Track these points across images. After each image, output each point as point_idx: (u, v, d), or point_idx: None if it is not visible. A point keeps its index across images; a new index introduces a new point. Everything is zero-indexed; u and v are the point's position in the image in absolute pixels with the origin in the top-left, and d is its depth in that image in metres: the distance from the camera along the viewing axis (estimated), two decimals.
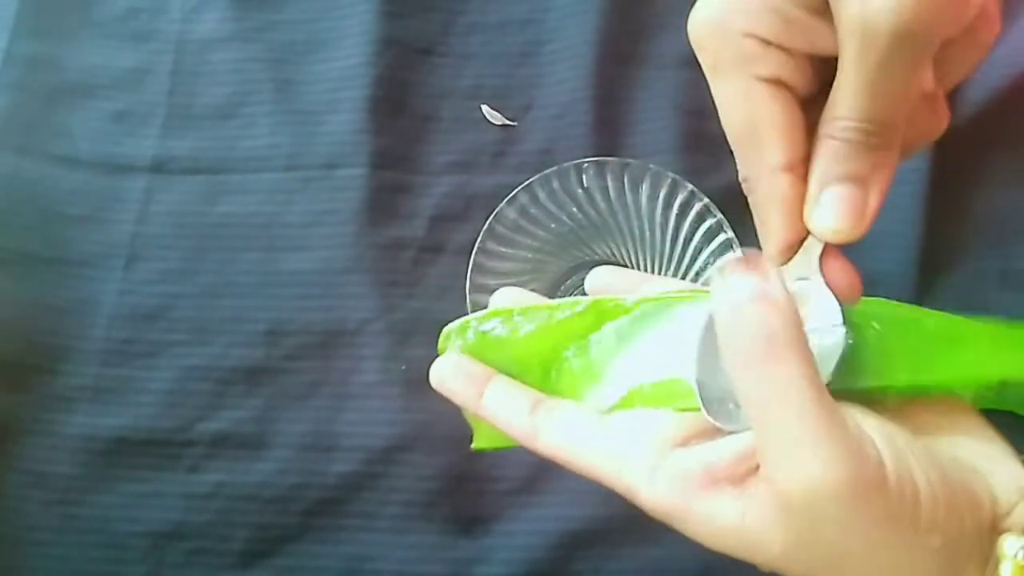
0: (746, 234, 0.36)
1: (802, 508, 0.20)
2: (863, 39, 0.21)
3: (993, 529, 0.21)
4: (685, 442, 0.24)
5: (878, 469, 0.20)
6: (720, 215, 0.37)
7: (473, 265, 0.37)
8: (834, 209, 0.22)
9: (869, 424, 0.22)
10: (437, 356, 0.39)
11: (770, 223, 0.23)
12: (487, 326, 0.28)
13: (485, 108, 0.43)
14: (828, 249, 0.23)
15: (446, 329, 0.30)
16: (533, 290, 0.39)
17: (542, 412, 0.26)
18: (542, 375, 0.27)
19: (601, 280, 0.31)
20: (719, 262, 0.37)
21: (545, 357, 0.27)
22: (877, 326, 0.25)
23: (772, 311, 0.20)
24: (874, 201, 0.23)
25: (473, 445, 0.29)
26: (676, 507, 0.23)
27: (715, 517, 0.23)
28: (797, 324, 0.21)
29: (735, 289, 0.21)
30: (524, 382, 0.27)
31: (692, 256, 0.38)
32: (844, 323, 0.23)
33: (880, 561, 0.20)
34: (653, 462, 0.23)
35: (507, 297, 0.30)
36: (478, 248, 0.38)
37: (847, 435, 0.20)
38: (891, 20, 0.20)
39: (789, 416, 0.20)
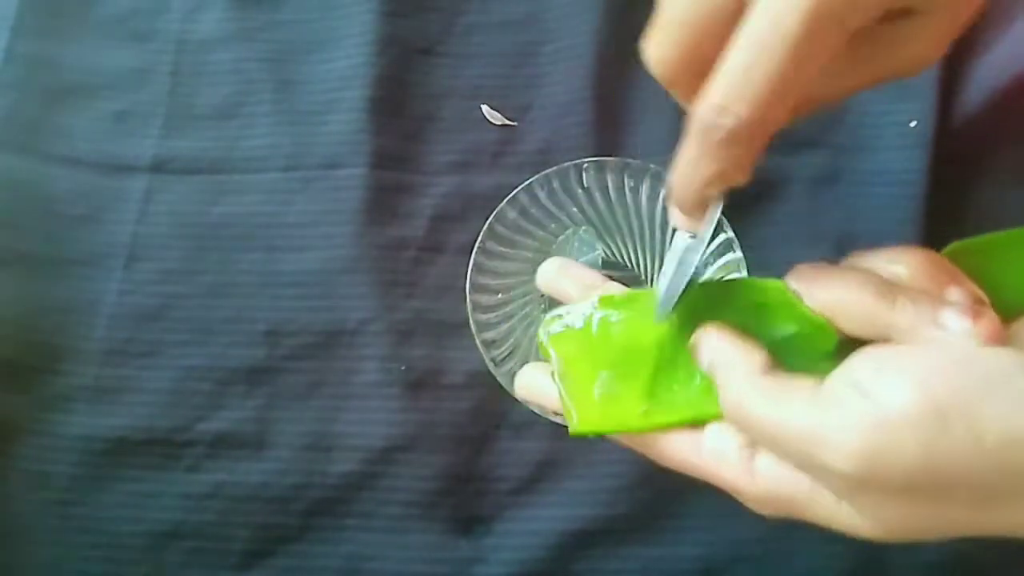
0: (746, 234, 0.36)
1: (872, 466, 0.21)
2: None
3: None
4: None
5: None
6: (720, 215, 0.36)
7: (473, 265, 0.37)
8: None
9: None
10: (437, 355, 0.40)
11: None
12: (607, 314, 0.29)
13: (485, 108, 0.43)
14: None
15: (550, 337, 0.30)
16: (531, 291, 0.40)
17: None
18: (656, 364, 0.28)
19: (547, 276, 0.33)
20: (720, 262, 0.37)
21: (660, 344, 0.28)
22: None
23: None
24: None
25: (572, 430, 0.28)
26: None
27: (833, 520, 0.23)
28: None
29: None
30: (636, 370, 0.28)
31: None
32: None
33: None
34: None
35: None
36: (478, 248, 0.38)
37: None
38: None
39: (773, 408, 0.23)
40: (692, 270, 0.26)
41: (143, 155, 0.44)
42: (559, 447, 0.38)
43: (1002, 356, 0.21)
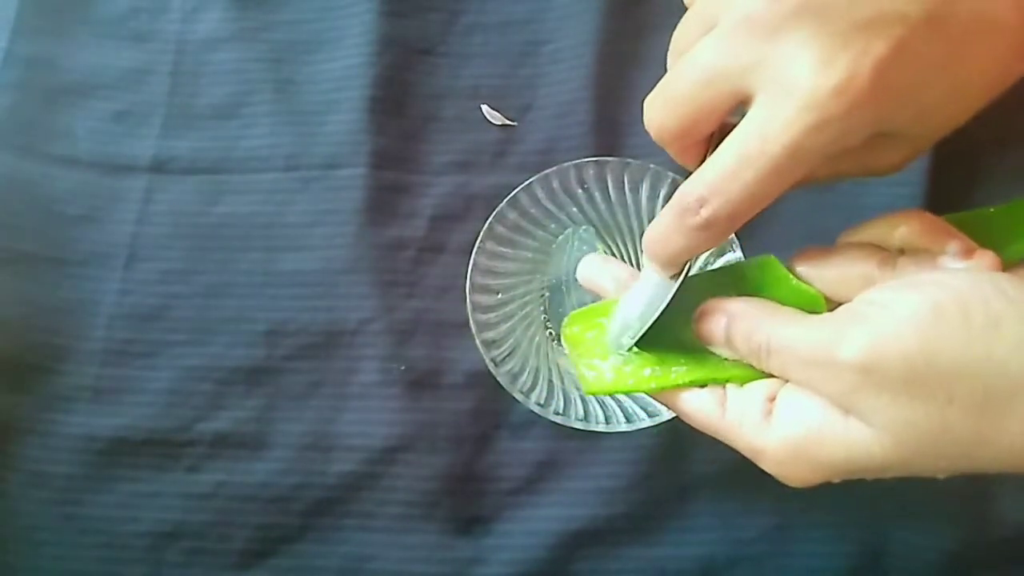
0: (746, 234, 0.36)
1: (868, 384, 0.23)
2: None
3: None
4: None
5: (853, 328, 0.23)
6: None
7: (473, 265, 0.37)
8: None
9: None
10: (437, 355, 0.40)
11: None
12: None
13: (485, 108, 0.43)
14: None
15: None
16: (531, 291, 0.40)
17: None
18: None
19: (591, 270, 0.33)
20: (720, 261, 0.37)
21: None
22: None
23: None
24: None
25: (584, 390, 0.30)
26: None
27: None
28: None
29: None
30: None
31: None
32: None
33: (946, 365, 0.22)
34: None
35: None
36: (478, 248, 0.38)
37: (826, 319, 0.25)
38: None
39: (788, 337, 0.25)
40: (659, 311, 0.28)
41: (143, 155, 0.44)
42: (559, 447, 0.38)
43: (997, 274, 0.24)
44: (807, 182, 0.27)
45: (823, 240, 0.40)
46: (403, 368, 0.39)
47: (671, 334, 0.29)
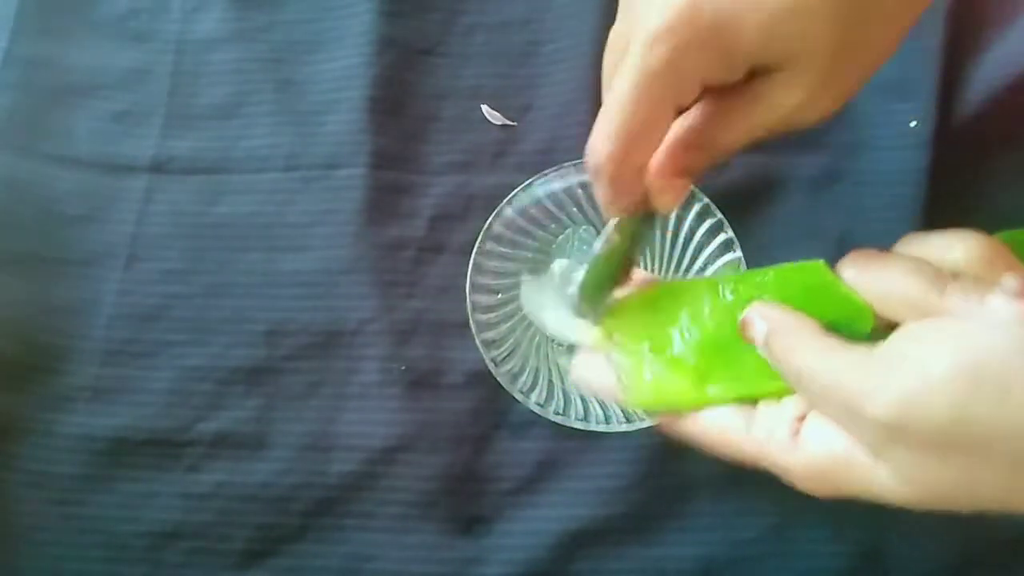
0: (746, 234, 0.36)
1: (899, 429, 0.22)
2: None
3: None
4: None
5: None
6: (720, 215, 0.37)
7: (473, 265, 0.37)
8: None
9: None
10: (437, 355, 0.40)
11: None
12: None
13: (485, 108, 0.43)
14: None
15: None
16: (531, 290, 0.40)
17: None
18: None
19: None
20: (720, 262, 0.37)
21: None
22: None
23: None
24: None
25: (629, 400, 0.30)
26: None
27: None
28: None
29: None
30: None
31: (692, 256, 0.38)
32: None
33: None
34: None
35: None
36: (478, 248, 0.38)
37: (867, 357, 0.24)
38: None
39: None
40: (585, 266, 0.31)
41: (143, 155, 0.44)
42: (559, 447, 0.38)
43: None
44: (724, 144, 0.27)
45: (822, 240, 0.40)
46: (403, 368, 0.39)
47: (718, 343, 0.29)
